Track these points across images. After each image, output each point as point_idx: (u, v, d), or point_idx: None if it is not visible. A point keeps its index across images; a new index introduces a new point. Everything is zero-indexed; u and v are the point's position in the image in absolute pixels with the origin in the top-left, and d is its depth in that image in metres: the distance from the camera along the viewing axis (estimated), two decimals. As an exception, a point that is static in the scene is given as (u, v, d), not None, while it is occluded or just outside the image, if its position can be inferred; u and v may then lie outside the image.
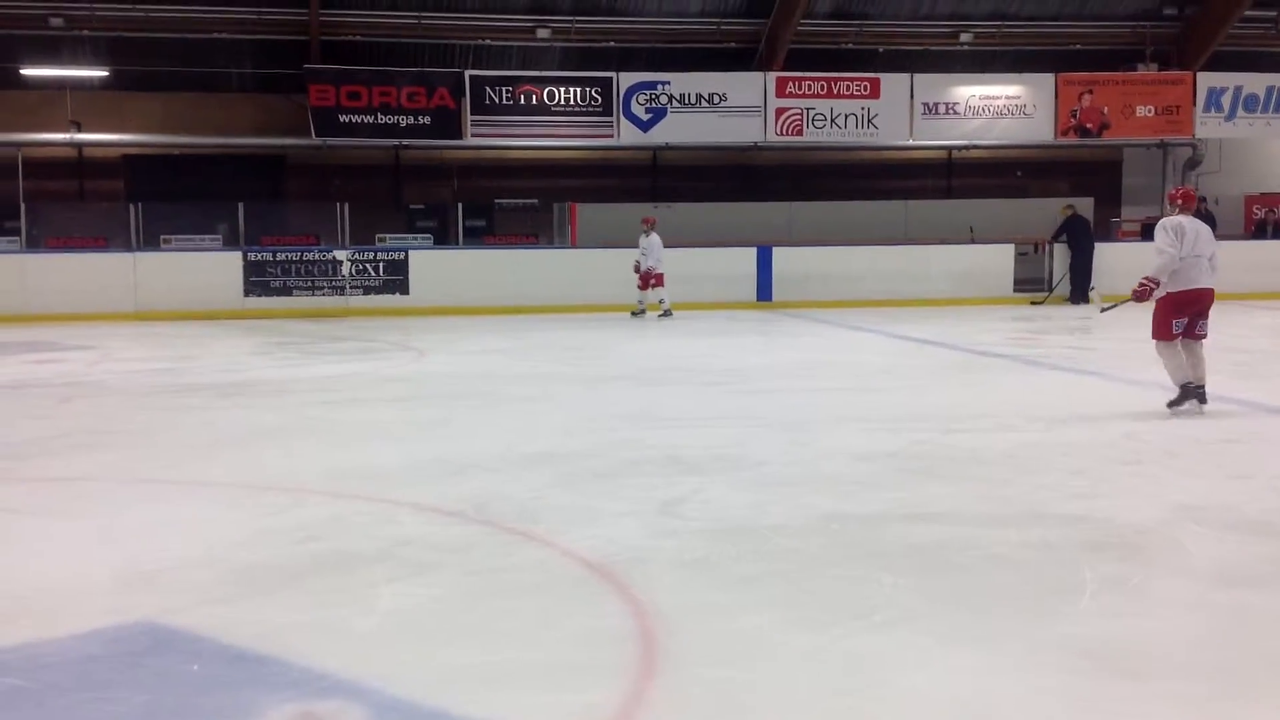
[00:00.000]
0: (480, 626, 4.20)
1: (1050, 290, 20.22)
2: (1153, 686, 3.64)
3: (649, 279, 17.88)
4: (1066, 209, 20.43)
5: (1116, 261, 18.66)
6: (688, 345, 14.07)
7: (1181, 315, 8.52)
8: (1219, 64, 23.36)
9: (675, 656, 3.92)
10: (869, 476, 6.56)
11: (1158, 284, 8.52)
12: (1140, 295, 8.67)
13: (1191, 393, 8.46)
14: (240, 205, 20.70)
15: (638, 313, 18.05)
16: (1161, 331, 8.56)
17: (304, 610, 4.36)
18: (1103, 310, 11.22)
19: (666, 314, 17.78)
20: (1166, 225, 8.66)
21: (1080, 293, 19.84)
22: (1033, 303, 19.83)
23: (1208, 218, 21.87)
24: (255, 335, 15.54)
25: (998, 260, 20.36)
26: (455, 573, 4.81)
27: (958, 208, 23.07)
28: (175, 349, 13.95)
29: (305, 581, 4.69)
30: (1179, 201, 8.94)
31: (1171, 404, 8.52)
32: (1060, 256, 20.39)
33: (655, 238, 18.02)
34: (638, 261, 17.88)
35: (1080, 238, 20.15)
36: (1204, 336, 8.65)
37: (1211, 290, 8.68)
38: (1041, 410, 8.89)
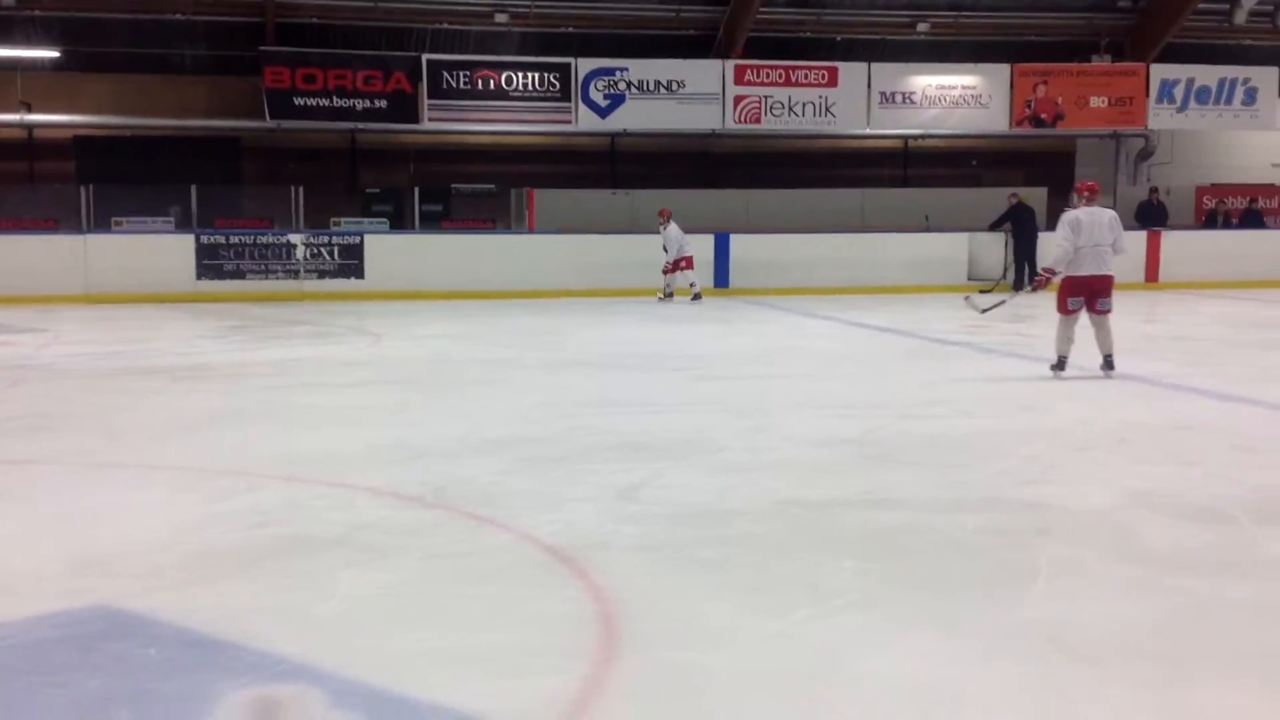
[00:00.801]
0: (439, 611, 4.19)
1: (998, 281, 20.16)
2: (1106, 669, 3.68)
3: (677, 264, 18.20)
4: (1011, 197, 20.53)
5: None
6: (646, 331, 14.08)
7: (1077, 296, 9.81)
8: (1172, 56, 23.59)
9: (635, 641, 3.93)
10: (827, 462, 6.60)
11: (1055, 273, 9.92)
12: (1039, 285, 10.35)
13: (1057, 362, 9.87)
14: (193, 188, 20.45)
15: (664, 297, 18.26)
16: (1060, 307, 9.92)
17: (261, 595, 4.34)
18: (983, 312, 11.90)
19: (697, 297, 18.01)
20: (1065, 220, 9.87)
21: (1023, 281, 19.86)
22: (981, 291, 19.73)
23: (1159, 209, 22.21)
24: (208, 319, 15.39)
25: (953, 248, 20.48)
26: (414, 557, 4.80)
27: (913, 196, 23.18)
28: (127, 332, 13.80)
29: (262, 566, 4.67)
30: (1084, 194, 10.11)
31: (1054, 367, 9.90)
32: (1001, 245, 20.38)
33: (674, 228, 18.28)
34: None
35: (1025, 226, 20.20)
36: (1107, 312, 9.90)
37: (1107, 276, 9.88)
38: (996, 397, 8.99)
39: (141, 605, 4.20)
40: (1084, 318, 9.91)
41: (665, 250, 18.34)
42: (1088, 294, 9.77)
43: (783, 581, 4.52)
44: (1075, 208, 10.05)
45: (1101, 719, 3.37)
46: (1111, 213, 10.04)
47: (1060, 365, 9.88)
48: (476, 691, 3.48)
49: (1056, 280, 9.98)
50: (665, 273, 18.32)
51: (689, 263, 18.17)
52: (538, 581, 4.55)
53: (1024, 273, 19.47)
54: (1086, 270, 9.75)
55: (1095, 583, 4.51)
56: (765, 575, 4.60)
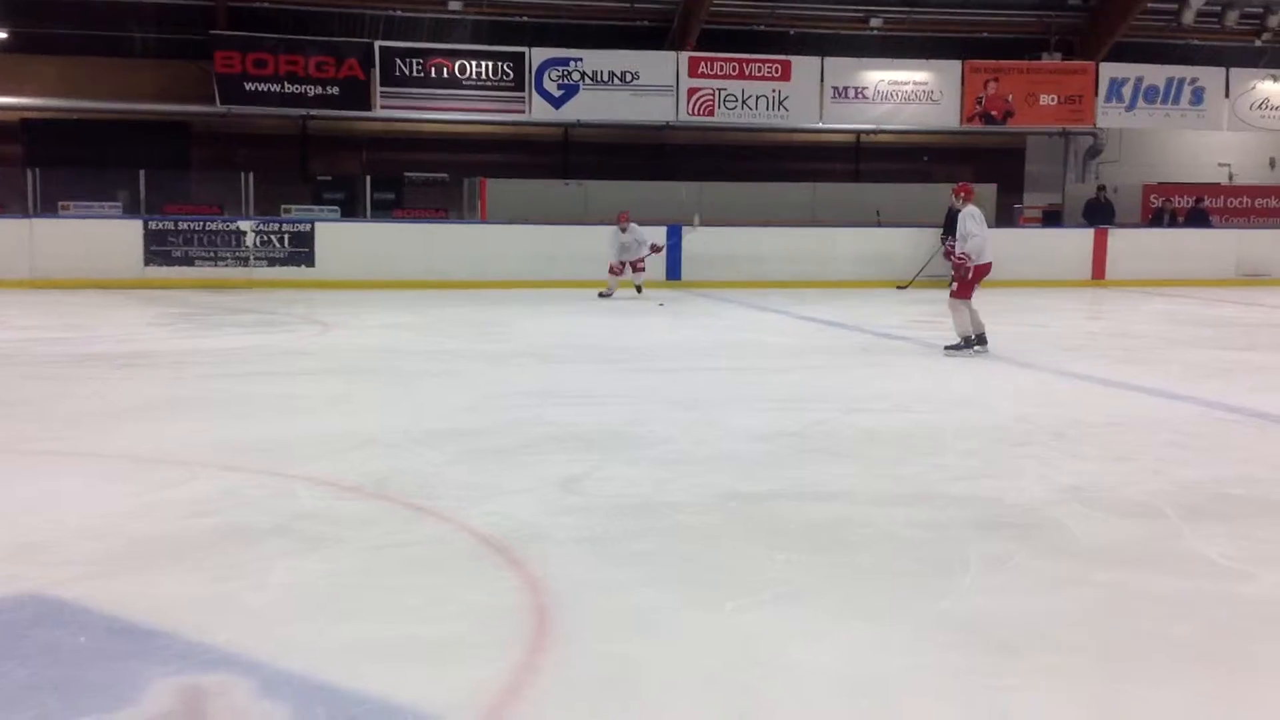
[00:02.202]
0: (373, 601, 4.19)
1: (916, 275, 20.07)
2: (1032, 661, 3.74)
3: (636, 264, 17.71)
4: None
5: (1016, 247, 18.97)
6: (594, 323, 14.09)
7: (979, 281, 11.02)
8: (1121, 55, 23.87)
9: (567, 632, 3.95)
10: (768, 455, 6.65)
11: (969, 259, 10.91)
12: (960, 267, 11.03)
13: (976, 340, 10.98)
14: (141, 173, 20.28)
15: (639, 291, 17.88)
16: (966, 293, 10.97)
17: (195, 584, 4.32)
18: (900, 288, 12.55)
19: (606, 295, 17.66)
20: (975, 215, 11.00)
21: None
22: (899, 287, 19.83)
23: (1106, 206, 22.46)
24: (155, 305, 15.27)
25: (903, 244, 20.61)
26: (351, 548, 4.79)
27: (865, 191, 23.35)
28: (72, 318, 13.67)
29: (197, 555, 4.65)
30: (964, 195, 11.24)
31: (952, 349, 11.02)
32: (932, 241, 20.19)
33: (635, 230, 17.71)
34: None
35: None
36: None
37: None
38: (938, 392, 9.08)
39: (72, 593, 4.18)
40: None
41: (623, 250, 17.61)
42: (984, 278, 11.10)
43: (716, 573, 4.57)
44: (958, 208, 11.22)
45: (1027, 709, 3.43)
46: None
47: (982, 340, 10.99)
48: (406, 681, 3.49)
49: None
50: (619, 271, 17.69)
51: (644, 262, 17.85)
52: (474, 572, 4.56)
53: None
54: (988, 258, 11.01)
55: (1024, 576, 4.58)
56: (699, 567, 4.64)
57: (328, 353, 11.25)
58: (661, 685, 3.54)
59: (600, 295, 17.48)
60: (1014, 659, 3.76)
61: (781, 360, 10.97)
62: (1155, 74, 23.30)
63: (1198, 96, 23.40)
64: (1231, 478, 6.21)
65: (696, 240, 19.35)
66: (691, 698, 3.46)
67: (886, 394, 8.92)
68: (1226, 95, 23.49)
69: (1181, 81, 23.34)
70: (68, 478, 6.02)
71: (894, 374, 10.10)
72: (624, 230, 17.56)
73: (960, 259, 11.01)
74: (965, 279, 11.00)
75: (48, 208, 19.76)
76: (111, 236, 18.47)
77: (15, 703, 3.34)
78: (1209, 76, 23.48)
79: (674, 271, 19.89)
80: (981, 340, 11.03)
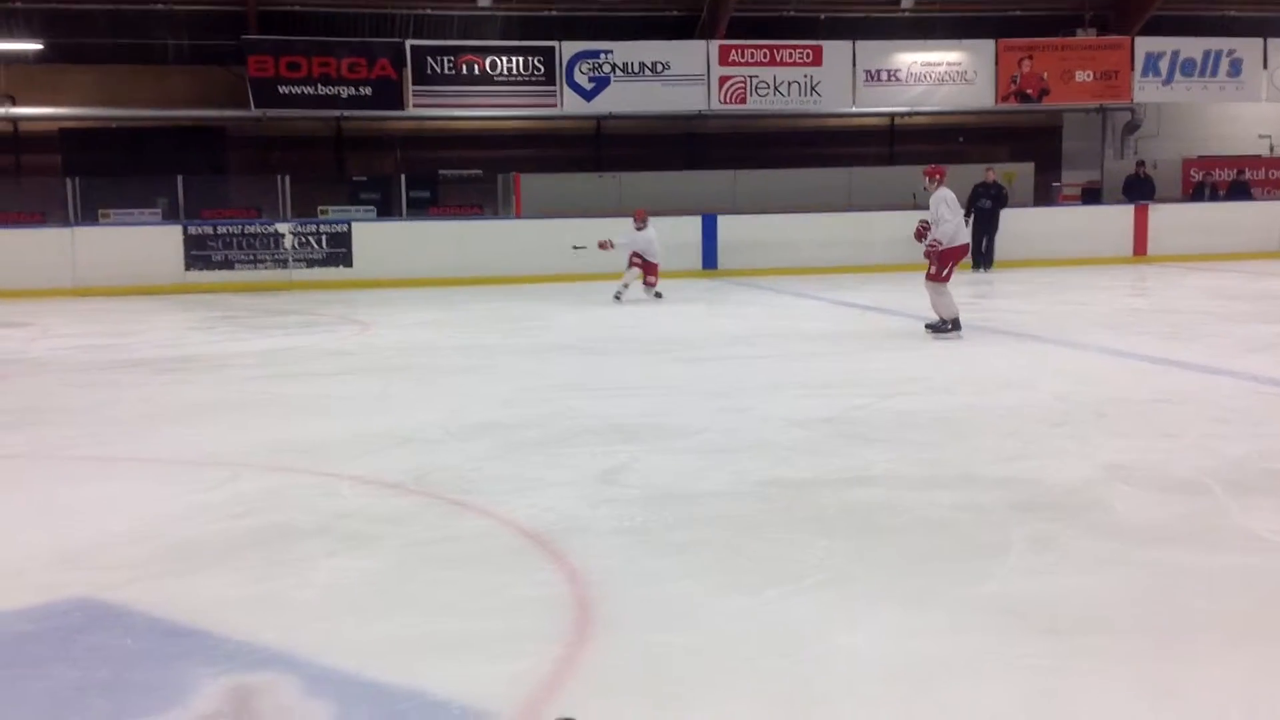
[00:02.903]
0: (416, 597, 4.22)
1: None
2: (1078, 642, 3.71)
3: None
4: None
5: (1055, 225, 18.82)
6: (631, 314, 14.10)
7: (956, 263, 11.11)
8: (1157, 29, 23.61)
9: (608, 623, 3.97)
10: (806, 442, 6.63)
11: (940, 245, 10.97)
12: (932, 253, 11.06)
13: (957, 324, 10.94)
14: (179, 178, 20.44)
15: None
16: (944, 276, 10.95)
17: (240, 584, 4.37)
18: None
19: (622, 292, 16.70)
20: (947, 199, 11.01)
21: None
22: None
23: (1145, 182, 22.24)
24: (196, 310, 15.41)
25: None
26: (393, 544, 4.83)
27: (900, 174, 23.16)
28: (114, 324, 13.81)
29: (242, 556, 4.70)
30: (938, 177, 11.19)
31: (935, 328, 11.00)
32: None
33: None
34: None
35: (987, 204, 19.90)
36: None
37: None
38: (977, 374, 9.03)
39: (120, 597, 4.23)
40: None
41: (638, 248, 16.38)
42: (958, 260, 11.20)
43: (756, 561, 4.57)
44: (929, 191, 11.20)
45: (1075, 690, 3.40)
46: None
47: (957, 325, 10.97)
48: (449, 675, 3.52)
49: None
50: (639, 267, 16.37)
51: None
52: (514, 566, 4.58)
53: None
54: (962, 240, 11.19)
55: (1067, 557, 4.55)
56: (738, 555, 4.64)
57: (367, 352, 11.32)
58: (703, 674, 3.55)
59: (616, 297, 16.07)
60: (1060, 640, 3.74)
61: (818, 346, 10.93)
62: (1192, 46, 23.01)
63: (1236, 68, 23.09)
64: (1278, 452, 6.14)
65: (731, 228, 19.31)
66: (733, 686, 3.46)
67: (924, 377, 8.87)
68: (1265, 66, 23.16)
69: (1219, 53, 23.04)
70: (113, 482, 6.10)
71: (932, 357, 10.05)
72: (639, 228, 16.42)
73: (933, 245, 11.02)
74: (942, 264, 11.01)
75: (88, 216, 19.96)
76: (152, 243, 18.62)
77: (65, 705, 3.39)
78: (1247, 47, 23.16)
79: (709, 260, 19.86)
80: (957, 325, 10.99)
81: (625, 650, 3.73)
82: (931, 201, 11.10)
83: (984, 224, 19.33)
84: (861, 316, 13.29)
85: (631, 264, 16.08)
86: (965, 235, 11.19)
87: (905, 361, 9.82)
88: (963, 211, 11.17)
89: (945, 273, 11.00)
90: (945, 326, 11.02)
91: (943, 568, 4.44)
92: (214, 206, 20.38)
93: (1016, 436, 6.67)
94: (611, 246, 16.14)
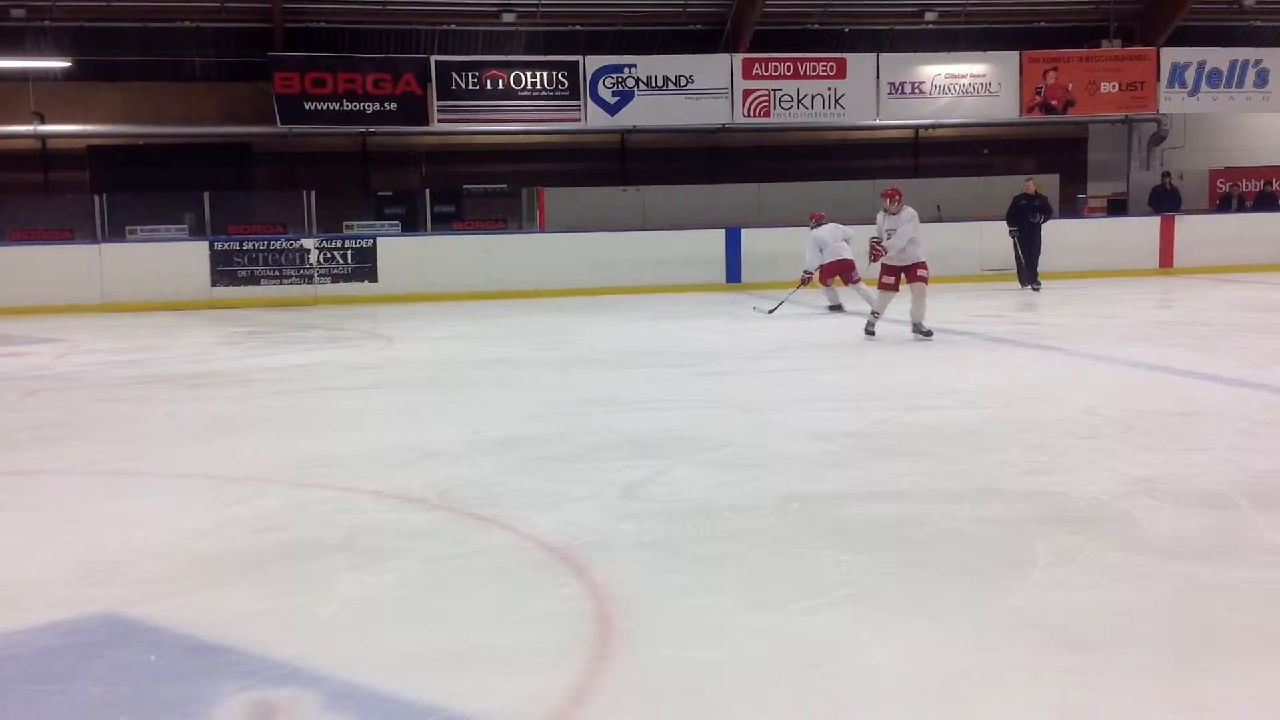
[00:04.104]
0: (438, 612, 4.22)
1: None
2: (1105, 657, 3.69)
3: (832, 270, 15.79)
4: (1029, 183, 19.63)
5: (1081, 237, 18.70)
6: (655, 328, 14.10)
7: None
8: (1182, 39, 23.49)
9: (631, 637, 3.95)
10: (830, 456, 6.61)
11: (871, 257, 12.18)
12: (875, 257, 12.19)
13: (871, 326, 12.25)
14: (206, 195, 20.57)
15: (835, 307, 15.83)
16: (895, 286, 12.06)
17: (262, 600, 4.38)
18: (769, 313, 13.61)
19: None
20: (915, 218, 11.88)
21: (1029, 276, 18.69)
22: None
23: (1172, 193, 22.12)
24: (222, 325, 15.49)
25: (965, 239, 20.41)
26: (415, 559, 4.83)
27: (925, 186, 23.08)
28: (141, 340, 13.90)
29: (265, 571, 4.71)
30: (896, 199, 11.98)
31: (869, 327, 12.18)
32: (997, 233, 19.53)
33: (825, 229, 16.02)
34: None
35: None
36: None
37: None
38: (1002, 387, 8.99)
39: (144, 612, 4.25)
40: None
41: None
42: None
43: (780, 575, 4.55)
44: (892, 211, 11.99)
45: (1104, 705, 3.37)
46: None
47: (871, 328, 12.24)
48: (472, 690, 3.51)
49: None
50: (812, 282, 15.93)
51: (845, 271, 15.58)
52: (537, 581, 4.57)
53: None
54: (898, 260, 12.01)
55: (1093, 571, 4.51)
56: (763, 570, 4.62)
57: (392, 366, 11.35)
58: (726, 689, 3.53)
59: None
60: (1087, 654, 3.71)
61: (843, 359, 10.91)
62: (1218, 57, 22.89)
63: (1262, 78, 22.96)
64: (1306, 465, 6.09)
65: (755, 241, 19.30)
66: (756, 701, 3.44)
67: (950, 390, 8.84)
68: (1292, 76, 23.05)
69: (1245, 64, 22.92)
70: (138, 497, 6.12)
71: (957, 369, 10.01)
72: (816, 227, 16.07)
73: (875, 252, 12.10)
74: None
75: (115, 232, 20.11)
76: (178, 259, 18.76)
77: (89, 721, 3.40)
78: (1273, 57, 23.03)
79: (733, 273, 19.86)
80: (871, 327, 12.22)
81: (648, 665, 3.72)
82: (907, 223, 11.89)
83: (1029, 239, 18.27)
84: (886, 329, 13.22)
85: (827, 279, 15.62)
86: (907, 256, 11.98)
87: (930, 374, 9.78)
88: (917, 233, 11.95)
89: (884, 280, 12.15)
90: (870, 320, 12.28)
91: (968, 581, 4.41)
92: (240, 222, 20.51)
93: (1043, 449, 6.63)
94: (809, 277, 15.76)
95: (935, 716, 3.35)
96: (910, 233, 11.84)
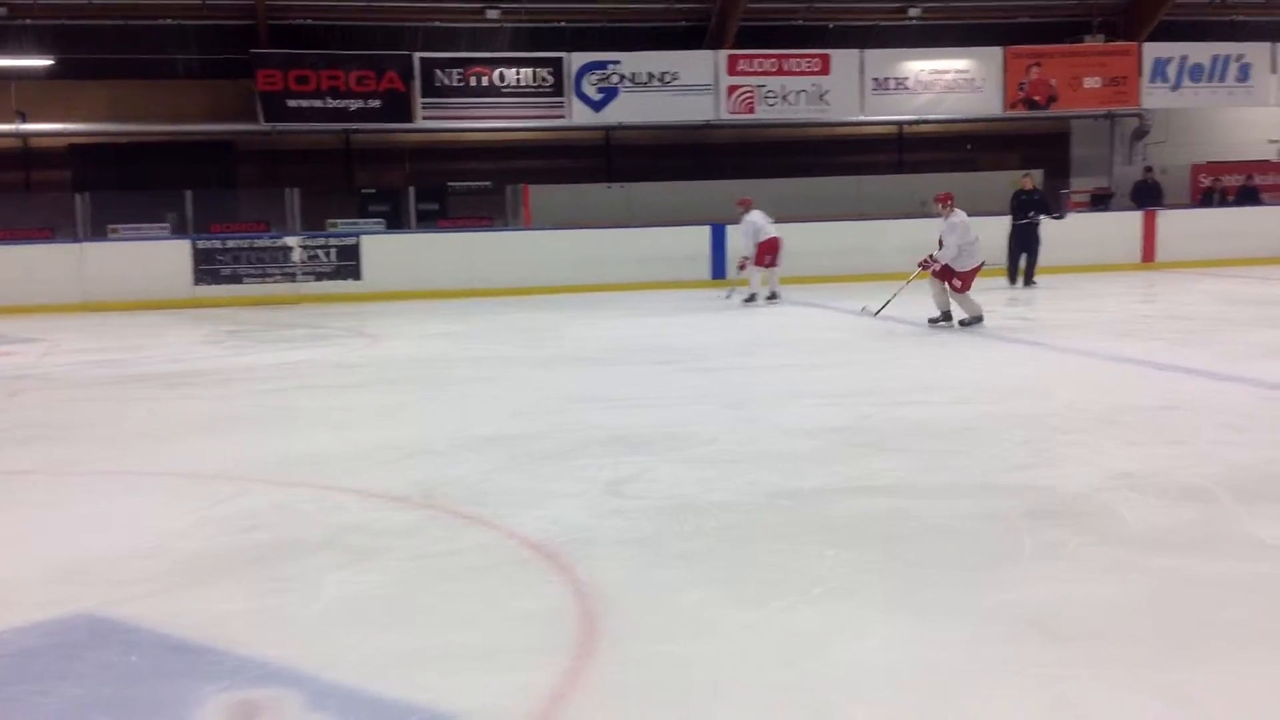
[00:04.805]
0: (422, 611, 4.21)
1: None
2: (1090, 650, 3.69)
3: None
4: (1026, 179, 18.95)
5: (1065, 232, 18.70)
6: (641, 325, 14.09)
7: (973, 279, 12.29)
8: (1165, 34, 23.56)
9: (616, 635, 3.95)
10: (816, 452, 6.61)
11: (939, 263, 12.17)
12: (926, 265, 12.45)
13: (943, 316, 12.29)
14: (189, 193, 20.50)
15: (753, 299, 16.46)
16: (968, 287, 12.18)
17: (245, 599, 4.36)
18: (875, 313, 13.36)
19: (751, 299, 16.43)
20: (956, 225, 12.05)
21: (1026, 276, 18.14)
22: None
23: (1154, 188, 22.17)
24: (205, 324, 15.43)
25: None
26: (400, 558, 4.82)
27: (910, 182, 23.16)
28: (124, 340, 13.84)
29: (248, 570, 4.69)
30: (948, 204, 12.36)
31: (965, 324, 12.10)
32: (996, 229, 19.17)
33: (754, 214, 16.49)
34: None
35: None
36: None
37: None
38: (988, 382, 9.01)
39: (126, 612, 4.23)
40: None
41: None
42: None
43: (765, 572, 4.54)
44: (943, 215, 12.35)
45: (1090, 698, 3.38)
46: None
47: (948, 317, 12.35)
48: (456, 689, 3.50)
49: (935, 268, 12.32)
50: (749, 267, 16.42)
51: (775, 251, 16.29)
52: (522, 579, 4.56)
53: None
54: (963, 265, 12.12)
55: (1078, 565, 4.52)
56: (748, 566, 4.62)
57: (376, 364, 11.32)
58: (711, 685, 3.53)
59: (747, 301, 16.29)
60: (1071, 648, 3.72)
61: (829, 355, 10.91)
62: (1200, 52, 22.96)
63: (1244, 73, 23.04)
64: (1287, 458, 6.11)
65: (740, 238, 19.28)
66: (742, 697, 3.44)
67: (935, 385, 8.86)
68: (1274, 70, 23.10)
69: (1227, 58, 22.99)
70: (121, 497, 6.10)
71: (942, 365, 10.03)
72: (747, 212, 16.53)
73: (927, 262, 12.37)
74: (965, 280, 12.22)
75: (97, 231, 20.01)
76: (161, 257, 18.65)
77: (70, 722, 3.38)
78: (1255, 52, 23.10)
79: (719, 270, 19.82)
80: (948, 317, 12.34)
81: (633, 661, 3.71)
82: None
83: (1026, 237, 17.74)
84: (873, 325, 13.25)
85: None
86: (974, 258, 12.13)
87: (916, 370, 9.80)
88: (974, 233, 12.15)
89: (970, 283, 12.15)
90: (975, 320, 12.12)
91: (953, 577, 4.42)
92: (223, 221, 20.42)
93: (1027, 444, 6.64)
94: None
95: (920, 711, 3.35)
96: (957, 241, 12.03)
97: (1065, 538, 4.82)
